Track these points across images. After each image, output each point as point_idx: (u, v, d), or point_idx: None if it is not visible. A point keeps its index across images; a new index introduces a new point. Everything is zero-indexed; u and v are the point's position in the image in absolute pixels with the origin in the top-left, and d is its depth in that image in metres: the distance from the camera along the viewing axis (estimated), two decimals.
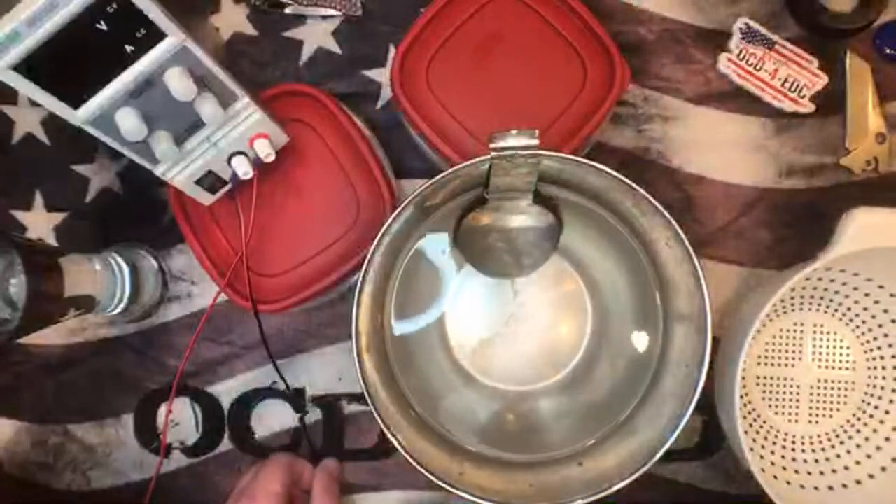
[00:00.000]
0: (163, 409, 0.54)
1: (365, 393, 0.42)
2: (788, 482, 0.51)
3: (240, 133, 0.45)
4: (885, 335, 0.52)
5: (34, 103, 0.45)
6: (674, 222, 0.41)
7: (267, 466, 0.48)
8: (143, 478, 0.55)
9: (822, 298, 0.53)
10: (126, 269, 0.51)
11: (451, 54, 0.49)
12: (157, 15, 0.37)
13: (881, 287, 0.51)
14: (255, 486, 0.46)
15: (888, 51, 0.53)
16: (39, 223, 0.55)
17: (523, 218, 0.48)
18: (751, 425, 0.52)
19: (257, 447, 0.55)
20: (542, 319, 0.51)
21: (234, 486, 0.50)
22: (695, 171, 0.54)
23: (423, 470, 0.42)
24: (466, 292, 0.51)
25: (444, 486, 0.42)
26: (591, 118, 0.47)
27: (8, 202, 0.55)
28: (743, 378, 0.45)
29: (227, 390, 0.55)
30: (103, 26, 0.36)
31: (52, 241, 0.55)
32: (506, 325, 0.51)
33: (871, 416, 0.52)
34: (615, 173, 0.41)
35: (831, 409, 0.53)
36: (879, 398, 0.52)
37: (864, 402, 0.53)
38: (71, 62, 0.37)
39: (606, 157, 0.54)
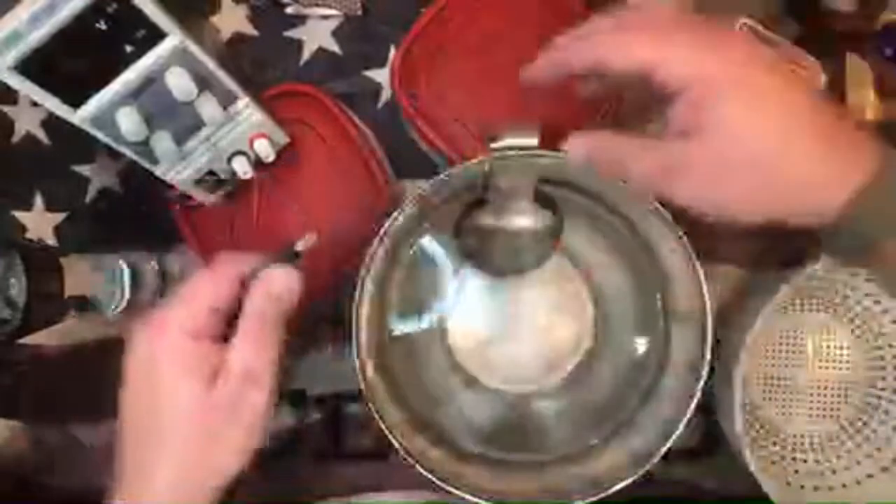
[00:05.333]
0: None
1: (365, 393, 0.42)
2: (788, 482, 0.51)
3: (240, 133, 0.45)
4: (885, 335, 0.52)
5: (34, 103, 0.45)
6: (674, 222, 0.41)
7: (201, 273, 0.35)
8: None
9: (822, 298, 0.53)
10: (126, 270, 0.51)
11: (451, 54, 0.49)
12: (157, 15, 0.37)
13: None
14: (181, 294, 0.34)
15: (888, 51, 0.53)
16: (39, 223, 0.55)
17: (523, 218, 0.48)
18: (751, 425, 0.52)
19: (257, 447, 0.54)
20: (543, 320, 0.51)
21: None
22: None
23: (422, 470, 0.42)
24: (467, 292, 0.51)
25: (443, 486, 0.42)
26: (592, 118, 0.47)
27: (8, 202, 0.55)
28: (743, 379, 0.45)
29: None
30: (103, 26, 0.36)
31: (52, 241, 0.55)
32: (506, 325, 0.51)
33: (871, 416, 0.52)
34: None
35: (831, 409, 0.53)
36: (879, 398, 0.52)
37: (864, 402, 0.53)
38: (71, 62, 0.37)
39: None
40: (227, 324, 0.34)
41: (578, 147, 0.33)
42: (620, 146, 0.32)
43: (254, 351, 0.33)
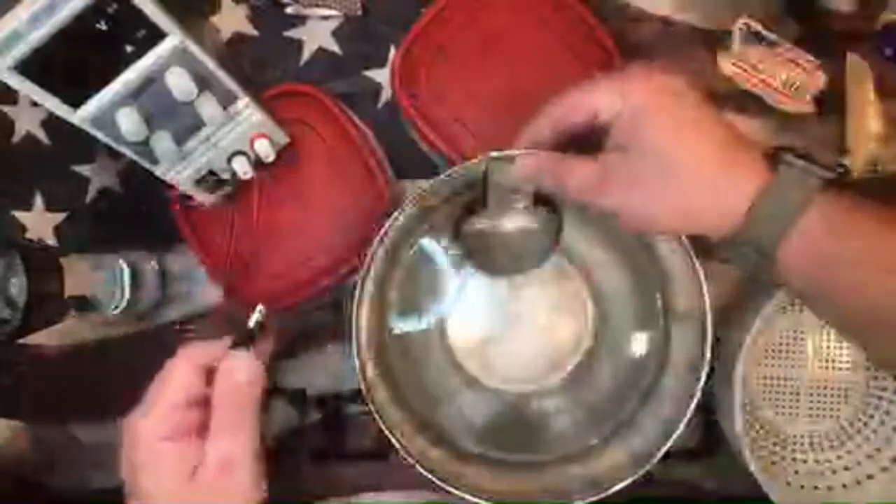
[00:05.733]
0: None
1: (365, 393, 0.42)
2: (789, 482, 0.51)
3: (240, 133, 0.45)
4: None
5: (34, 103, 0.45)
6: None
7: (170, 369, 0.36)
8: None
9: None
10: (126, 270, 0.51)
11: (451, 54, 0.49)
12: (157, 15, 0.37)
13: None
14: (153, 395, 0.35)
15: (888, 51, 0.53)
16: (39, 223, 0.55)
17: (523, 218, 0.48)
18: (751, 425, 0.52)
19: None
20: (543, 320, 0.51)
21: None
22: None
23: (422, 470, 0.42)
24: (467, 292, 0.51)
25: (443, 486, 0.42)
26: None
27: (8, 202, 0.55)
28: (743, 379, 0.45)
29: None
30: (103, 26, 0.36)
31: (52, 241, 0.55)
32: (506, 325, 0.51)
33: (872, 417, 0.52)
34: None
35: (831, 410, 0.53)
36: (879, 398, 0.52)
37: (864, 402, 0.53)
38: (71, 62, 0.37)
39: None
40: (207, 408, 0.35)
41: (525, 166, 0.39)
42: (559, 164, 0.38)
43: (229, 441, 0.35)
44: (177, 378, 0.35)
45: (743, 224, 0.33)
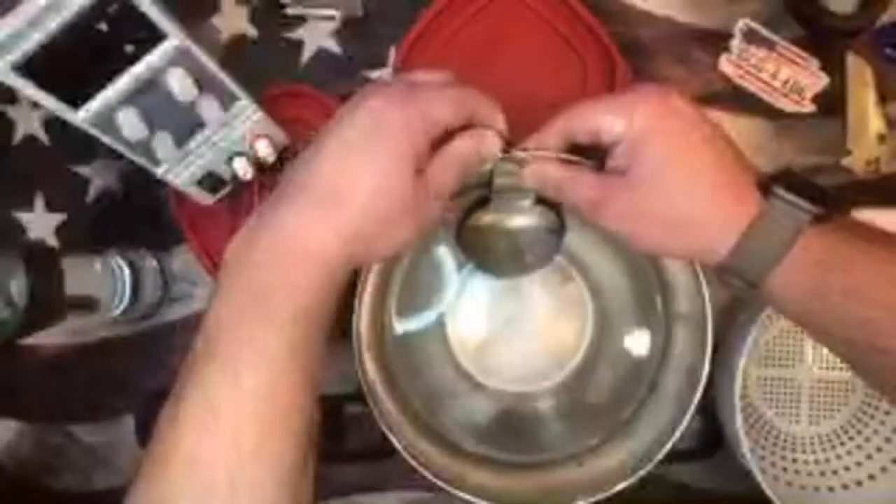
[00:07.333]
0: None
1: (366, 393, 0.42)
2: (789, 483, 0.51)
3: (240, 134, 0.45)
4: None
5: (34, 103, 0.45)
6: None
7: (448, 91, 0.36)
8: None
9: None
10: (126, 270, 0.51)
11: (451, 55, 0.49)
12: (157, 16, 0.37)
13: None
14: (419, 102, 0.33)
15: (889, 51, 0.53)
16: (40, 223, 0.55)
17: (526, 218, 0.48)
18: (751, 426, 0.52)
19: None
20: (544, 320, 0.51)
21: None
22: None
23: (423, 470, 0.42)
24: (468, 292, 0.51)
25: (444, 486, 0.42)
26: None
27: (9, 203, 0.55)
28: (743, 379, 0.45)
29: None
30: (104, 27, 0.36)
31: (52, 241, 0.55)
32: (507, 325, 0.51)
33: (872, 418, 0.52)
34: None
35: (832, 411, 0.53)
36: (880, 399, 0.52)
37: (864, 403, 0.53)
38: (71, 63, 0.37)
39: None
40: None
41: (531, 174, 0.39)
42: (562, 176, 0.38)
43: (447, 180, 0.35)
44: (456, 104, 0.35)
45: (729, 257, 0.33)
